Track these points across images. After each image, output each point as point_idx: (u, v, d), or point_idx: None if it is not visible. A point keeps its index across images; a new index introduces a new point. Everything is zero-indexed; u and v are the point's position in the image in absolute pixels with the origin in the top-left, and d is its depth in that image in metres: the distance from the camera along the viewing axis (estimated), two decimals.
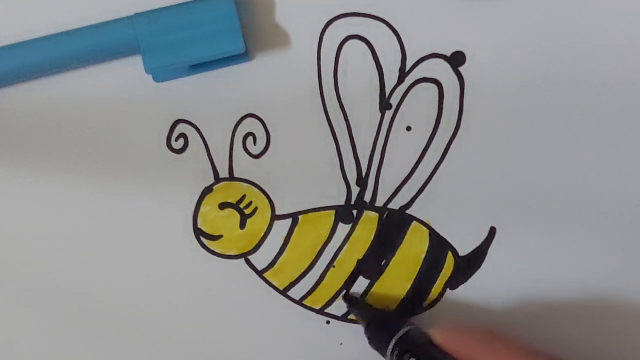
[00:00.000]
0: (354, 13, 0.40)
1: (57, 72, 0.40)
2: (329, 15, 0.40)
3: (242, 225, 0.41)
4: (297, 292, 0.41)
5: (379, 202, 0.41)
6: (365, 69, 0.40)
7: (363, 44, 0.40)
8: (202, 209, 0.41)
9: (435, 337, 0.36)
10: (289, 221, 0.41)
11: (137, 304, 0.41)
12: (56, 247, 0.41)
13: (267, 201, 0.41)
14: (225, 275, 0.41)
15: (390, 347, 0.37)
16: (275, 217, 0.41)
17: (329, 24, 0.40)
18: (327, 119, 0.40)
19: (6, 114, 0.41)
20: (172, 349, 0.41)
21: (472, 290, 0.41)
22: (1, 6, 0.40)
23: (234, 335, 0.41)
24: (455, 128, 0.40)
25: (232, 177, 0.41)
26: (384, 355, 0.38)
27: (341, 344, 0.41)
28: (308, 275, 0.41)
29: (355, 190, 0.41)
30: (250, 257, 0.41)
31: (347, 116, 0.40)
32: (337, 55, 0.40)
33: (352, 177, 0.41)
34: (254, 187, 0.41)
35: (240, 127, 0.41)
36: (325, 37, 0.40)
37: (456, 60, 0.40)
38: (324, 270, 0.41)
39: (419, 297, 0.41)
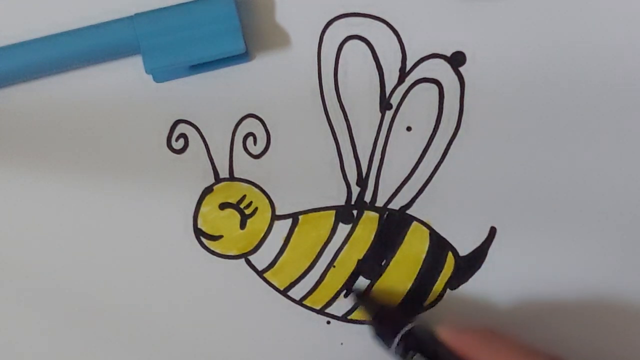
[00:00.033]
0: (354, 13, 0.40)
1: (57, 72, 0.40)
2: (329, 15, 0.40)
3: (242, 225, 0.41)
4: (297, 292, 0.41)
5: (379, 202, 0.41)
6: (365, 69, 0.40)
7: (363, 44, 0.40)
8: (202, 209, 0.41)
9: (440, 334, 0.36)
10: (289, 221, 0.41)
11: (137, 304, 0.41)
12: (56, 247, 0.41)
13: (267, 201, 0.41)
14: (225, 275, 0.41)
15: (395, 342, 0.37)
16: (275, 217, 0.41)
17: (329, 24, 0.40)
18: (327, 119, 0.40)
19: (6, 114, 0.41)
20: (172, 349, 0.41)
21: (472, 290, 0.41)
22: (1, 6, 0.40)
23: (234, 335, 0.41)
24: (455, 128, 0.40)
25: (232, 177, 0.41)
26: (388, 350, 0.38)
27: (341, 343, 0.41)
28: (308, 275, 0.41)
29: (355, 190, 0.41)
30: (250, 257, 0.41)
31: (347, 116, 0.40)
32: (337, 55, 0.40)
33: (352, 177, 0.41)
34: (254, 187, 0.41)
35: (240, 127, 0.41)
36: (325, 37, 0.40)
37: (456, 60, 0.40)
38: (324, 270, 0.41)
39: (419, 297, 0.41)
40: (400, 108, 0.40)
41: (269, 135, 0.41)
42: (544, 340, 0.40)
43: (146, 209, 0.41)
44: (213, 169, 0.41)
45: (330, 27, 0.40)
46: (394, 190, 0.41)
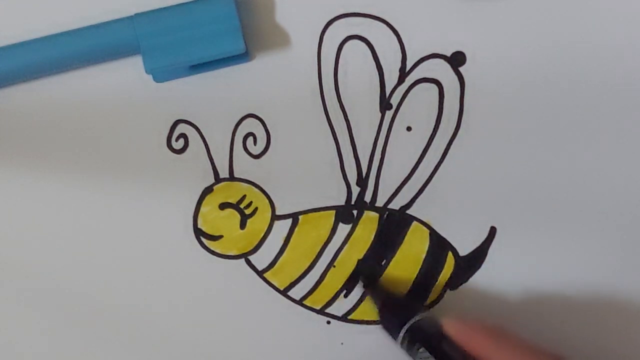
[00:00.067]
0: (354, 13, 0.40)
1: (57, 72, 0.40)
2: (329, 15, 0.40)
3: (242, 225, 0.41)
4: (297, 292, 0.41)
5: (379, 202, 0.41)
6: (365, 69, 0.40)
7: (363, 44, 0.40)
8: (202, 209, 0.41)
9: (446, 328, 0.36)
10: (289, 221, 0.41)
11: (137, 304, 0.41)
12: (56, 247, 0.41)
13: (267, 201, 0.41)
14: (225, 275, 0.41)
15: (401, 334, 0.37)
16: (275, 217, 0.41)
17: (329, 24, 0.40)
18: (327, 119, 0.40)
19: (6, 114, 0.41)
20: (172, 349, 0.41)
21: (472, 290, 0.41)
22: (1, 6, 0.40)
23: (234, 335, 0.41)
24: (455, 128, 0.40)
25: (232, 177, 0.41)
26: (394, 342, 0.38)
27: (341, 343, 0.41)
28: (308, 275, 0.41)
29: (355, 190, 0.41)
30: (250, 257, 0.41)
31: (347, 116, 0.40)
32: (337, 55, 0.40)
33: (352, 177, 0.41)
34: (254, 187, 0.41)
35: (240, 127, 0.41)
36: (325, 37, 0.40)
37: (456, 60, 0.40)
38: (324, 270, 0.41)
39: (419, 296, 0.41)
40: (400, 108, 0.40)
41: (269, 135, 0.41)
42: (544, 340, 0.40)
43: (146, 209, 0.41)
44: (213, 169, 0.41)
45: (330, 27, 0.40)
46: (394, 190, 0.41)
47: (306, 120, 0.40)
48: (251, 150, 0.41)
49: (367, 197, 0.41)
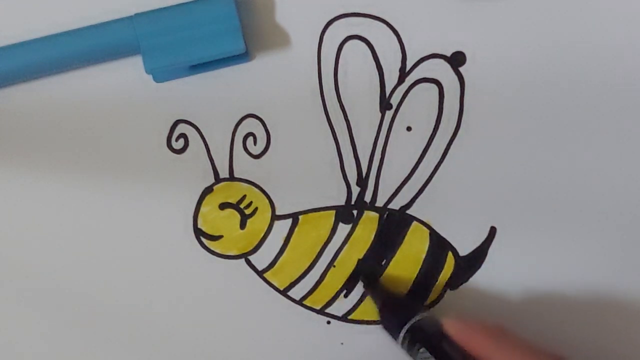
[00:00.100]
0: (354, 13, 0.40)
1: (57, 72, 0.40)
2: (329, 15, 0.40)
3: (242, 225, 0.41)
4: (297, 292, 0.41)
5: (379, 202, 0.41)
6: (365, 69, 0.40)
7: (363, 44, 0.40)
8: (202, 209, 0.41)
9: (446, 328, 0.36)
10: (289, 221, 0.41)
11: (138, 304, 0.41)
12: (56, 247, 0.41)
13: (267, 201, 0.41)
14: (225, 275, 0.41)
15: (402, 334, 0.37)
16: (275, 217, 0.41)
17: (329, 24, 0.40)
18: (327, 119, 0.40)
19: (6, 114, 0.41)
20: (172, 349, 0.41)
21: (472, 290, 0.41)
22: (1, 6, 0.40)
23: (234, 335, 0.41)
24: (455, 128, 0.40)
25: (232, 177, 0.41)
26: (395, 341, 0.38)
27: (341, 343, 0.41)
28: (308, 275, 0.41)
29: (355, 190, 0.41)
30: (250, 257, 0.41)
31: (347, 116, 0.40)
32: (337, 55, 0.40)
33: (352, 177, 0.41)
34: (254, 187, 0.41)
35: (240, 127, 0.41)
36: (325, 37, 0.40)
37: (456, 60, 0.40)
38: (324, 270, 0.41)
39: (419, 296, 0.41)
40: (400, 108, 0.40)
41: (269, 135, 0.41)
42: (544, 339, 0.40)
43: (146, 209, 0.41)
44: (213, 169, 0.41)
45: (330, 27, 0.40)
46: (394, 190, 0.41)
47: (306, 120, 0.40)
48: (251, 150, 0.41)
49: (367, 197, 0.41)
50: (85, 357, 0.41)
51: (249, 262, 0.41)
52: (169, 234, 0.41)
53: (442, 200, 0.40)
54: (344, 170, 0.41)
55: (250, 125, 0.41)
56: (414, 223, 0.41)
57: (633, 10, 0.40)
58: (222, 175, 0.41)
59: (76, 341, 0.41)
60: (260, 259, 0.41)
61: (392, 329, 0.38)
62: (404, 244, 0.41)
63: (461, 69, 0.40)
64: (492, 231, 0.40)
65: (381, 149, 0.41)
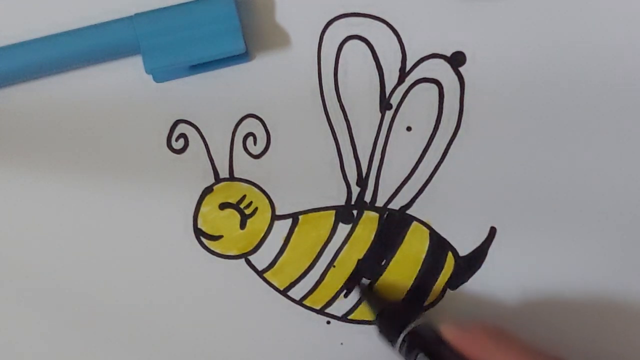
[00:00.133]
0: (354, 13, 0.40)
1: (57, 72, 0.40)
2: (329, 15, 0.40)
3: (242, 225, 0.41)
4: (297, 292, 0.41)
5: (379, 202, 0.41)
6: (365, 69, 0.40)
7: (363, 44, 0.40)
8: (202, 209, 0.41)
9: (444, 333, 0.36)
10: (289, 221, 0.41)
11: (137, 304, 0.41)
12: (56, 247, 0.41)
13: (267, 201, 0.41)
14: (225, 275, 0.41)
15: (399, 340, 0.37)
16: (275, 217, 0.41)
17: (329, 24, 0.40)
18: (327, 119, 0.40)
19: (6, 114, 0.41)
20: (172, 349, 0.41)
21: (472, 290, 0.41)
22: (1, 6, 0.40)
23: (234, 335, 0.41)
24: (455, 128, 0.40)
25: (232, 177, 0.41)
26: (392, 348, 0.38)
27: (341, 343, 0.41)
28: (308, 275, 0.41)
29: (355, 190, 0.41)
30: (250, 257, 0.41)
31: (347, 116, 0.40)
32: (337, 55, 0.40)
33: (352, 177, 0.41)
34: (254, 187, 0.41)
35: (240, 127, 0.41)
36: (325, 37, 0.40)
37: (456, 60, 0.40)
38: (324, 270, 0.41)
39: (419, 297, 0.41)
40: (400, 108, 0.40)
41: (269, 135, 0.41)
42: (544, 340, 0.40)
43: (146, 209, 0.41)
44: (213, 169, 0.41)
45: (330, 27, 0.40)
46: (394, 190, 0.41)
47: (306, 120, 0.40)
48: (251, 150, 0.41)
49: (367, 197, 0.41)
50: (85, 357, 0.41)
51: (249, 262, 0.41)
52: (169, 234, 0.41)
53: (442, 200, 0.40)
54: (344, 170, 0.41)
55: (250, 125, 0.41)
56: (414, 223, 0.41)
57: (633, 10, 0.40)
58: (222, 175, 0.41)
59: (76, 341, 0.41)
60: (260, 259, 0.41)
61: (389, 337, 0.38)
62: (404, 244, 0.41)
63: (461, 69, 0.40)
64: (492, 231, 0.40)
65: (381, 149, 0.41)
